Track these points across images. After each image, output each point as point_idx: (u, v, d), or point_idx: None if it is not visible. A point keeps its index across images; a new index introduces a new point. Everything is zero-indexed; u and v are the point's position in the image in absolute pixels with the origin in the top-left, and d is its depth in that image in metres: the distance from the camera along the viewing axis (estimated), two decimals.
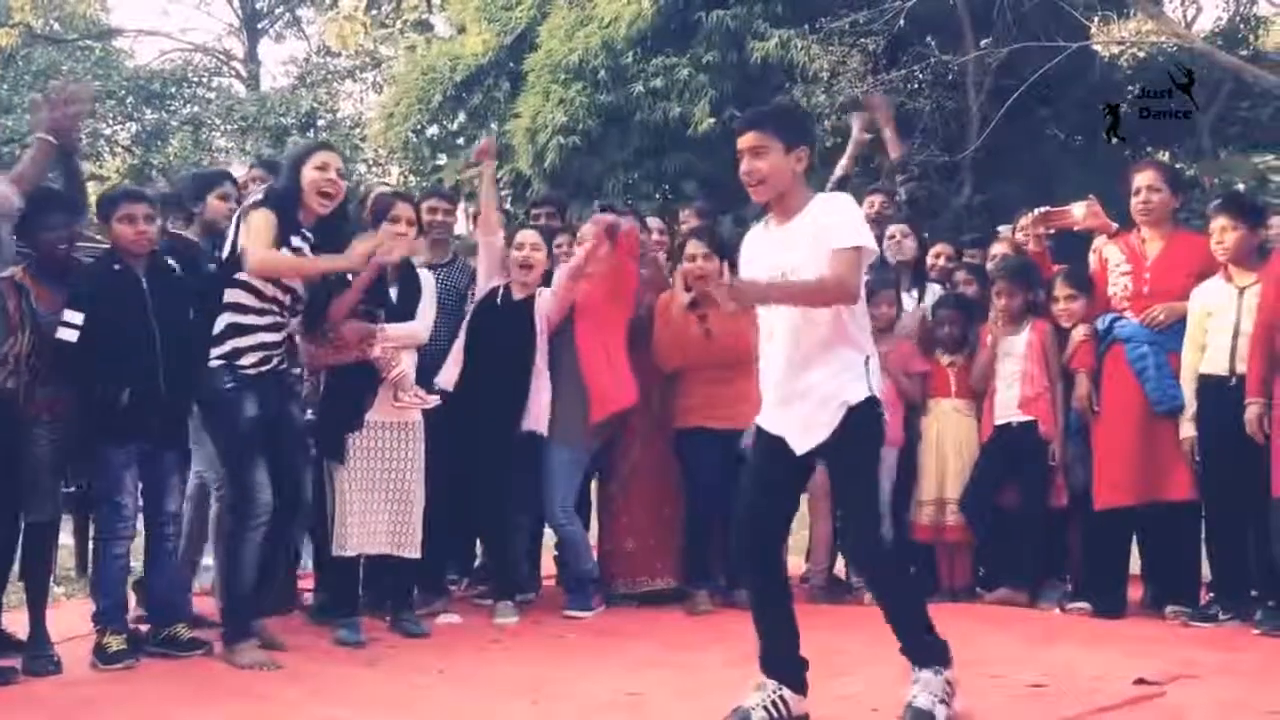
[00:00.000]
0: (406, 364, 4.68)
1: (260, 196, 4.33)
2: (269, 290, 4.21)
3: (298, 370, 4.78)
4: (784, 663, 3.35)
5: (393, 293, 4.75)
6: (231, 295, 4.20)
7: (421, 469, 4.73)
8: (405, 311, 4.75)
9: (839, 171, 6.21)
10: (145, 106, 21.65)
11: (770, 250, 3.32)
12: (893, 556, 3.44)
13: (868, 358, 3.28)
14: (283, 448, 4.34)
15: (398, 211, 4.76)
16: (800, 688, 3.35)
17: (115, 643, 4.05)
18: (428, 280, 4.90)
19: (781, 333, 3.31)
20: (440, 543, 4.99)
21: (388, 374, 4.62)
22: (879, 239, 5.70)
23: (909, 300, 5.69)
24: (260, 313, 4.23)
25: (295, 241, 4.24)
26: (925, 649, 3.31)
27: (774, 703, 3.30)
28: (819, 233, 3.20)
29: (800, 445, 3.28)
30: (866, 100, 6.45)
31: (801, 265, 3.20)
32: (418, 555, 4.71)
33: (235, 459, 4.24)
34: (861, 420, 3.23)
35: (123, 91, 21.00)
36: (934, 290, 5.78)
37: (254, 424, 4.20)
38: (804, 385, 3.25)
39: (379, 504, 4.63)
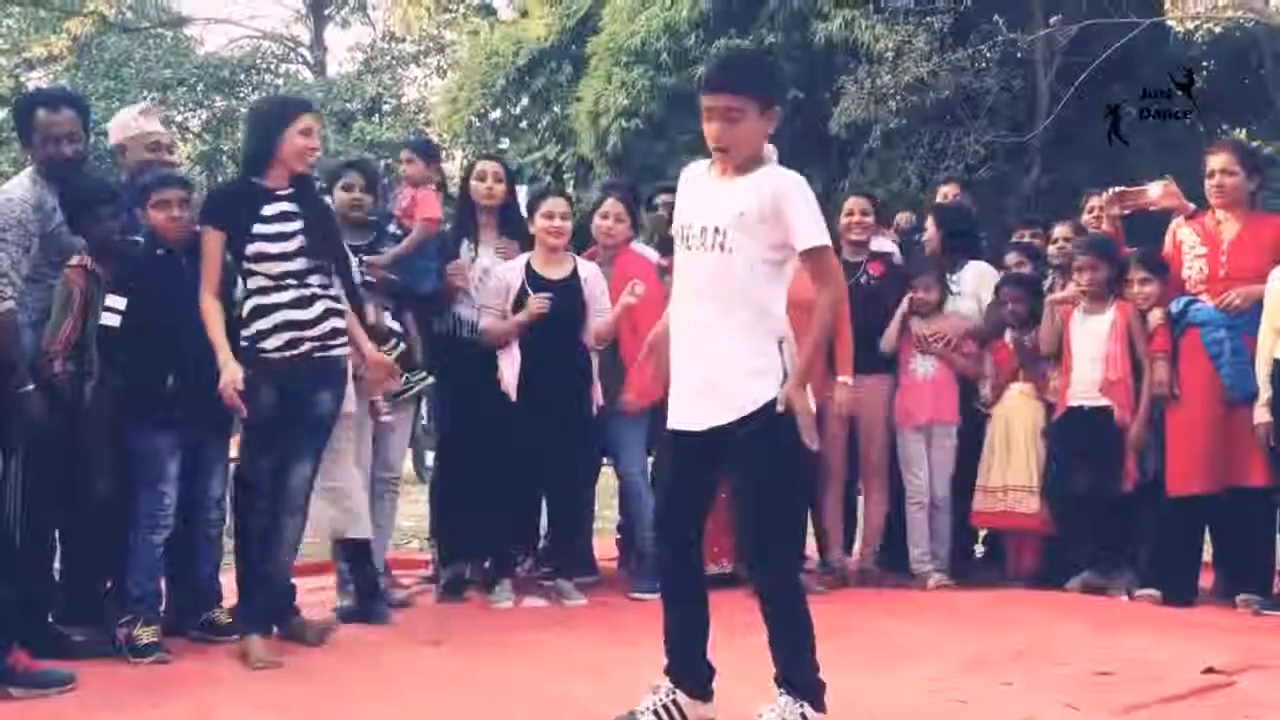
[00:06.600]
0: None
1: (205, 206, 4.17)
2: (275, 269, 4.01)
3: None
4: (687, 664, 3.13)
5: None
6: (251, 281, 4.05)
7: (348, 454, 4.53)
8: None
9: None
10: (215, 93, 22.06)
11: (712, 199, 2.99)
12: (799, 578, 3.12)
13: (782, 340, 2.99)
14: (292, 434, 4.11)
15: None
16: (701, 693, 3.12)
17: (147, 635, 3.94)
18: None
19: (689, 296, 3.02)
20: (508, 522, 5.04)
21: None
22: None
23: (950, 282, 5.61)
24: (279, 289, 4.01)
25: (269, 210, 4.01)
26: (803, 677, 2.97)
27: (665, 706, 3.08)
28: (777, 203, 2.91)
29: (702, 420, 2.97)
30: None
31: (748, 213, 2.90)
32: (367, 536, 4.60)
33: (242, 445, 4.16)
34: (773, 421, 2.92)
35: (193, 79, 21.42)
36: (975, 268, 5.69)
37: (268, 411, 4.01)
38: (710, 351, 2.96)
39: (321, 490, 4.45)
